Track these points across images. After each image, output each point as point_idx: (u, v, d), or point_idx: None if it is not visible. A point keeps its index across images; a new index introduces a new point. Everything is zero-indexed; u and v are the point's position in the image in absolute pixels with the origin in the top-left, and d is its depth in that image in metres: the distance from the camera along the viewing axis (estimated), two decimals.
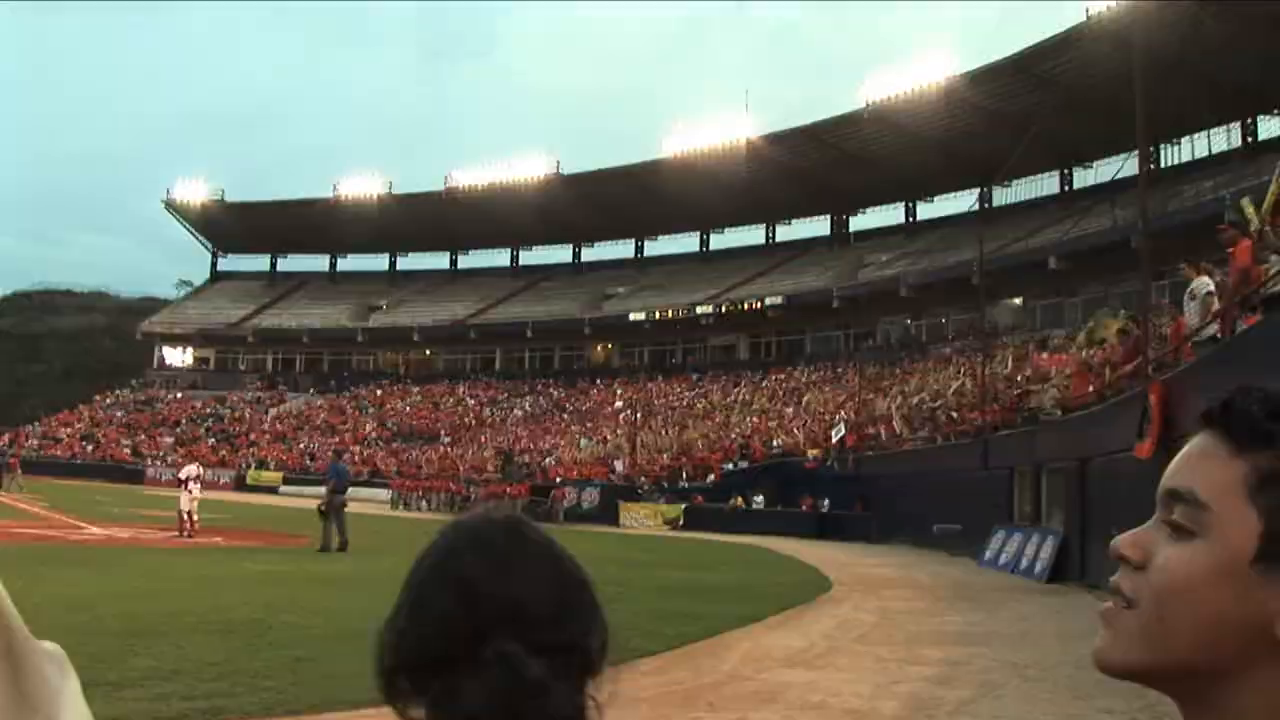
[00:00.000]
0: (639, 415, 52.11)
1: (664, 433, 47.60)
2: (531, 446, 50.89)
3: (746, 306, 60.94)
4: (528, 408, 63.20)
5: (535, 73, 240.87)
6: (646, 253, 76.60)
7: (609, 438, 49.46)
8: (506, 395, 66.57)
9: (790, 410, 47.22)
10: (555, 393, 64.53)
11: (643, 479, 42.62)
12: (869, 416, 40.12)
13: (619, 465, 44.47)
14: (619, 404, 56.68)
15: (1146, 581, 0.87)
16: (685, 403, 54.39)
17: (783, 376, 54.99)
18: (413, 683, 1.00)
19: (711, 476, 41.41)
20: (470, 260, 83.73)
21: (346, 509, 22.78)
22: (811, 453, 40.22)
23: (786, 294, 59.74)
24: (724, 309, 61.88)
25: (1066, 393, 24.23)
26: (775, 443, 42.47)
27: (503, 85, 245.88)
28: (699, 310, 62.60)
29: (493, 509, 1.16)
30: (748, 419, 47.02)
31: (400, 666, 1.01)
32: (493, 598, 1.00)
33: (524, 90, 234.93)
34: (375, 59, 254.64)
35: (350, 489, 24.70)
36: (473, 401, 66.65)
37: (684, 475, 42.12)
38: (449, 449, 55.53)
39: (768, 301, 59.91)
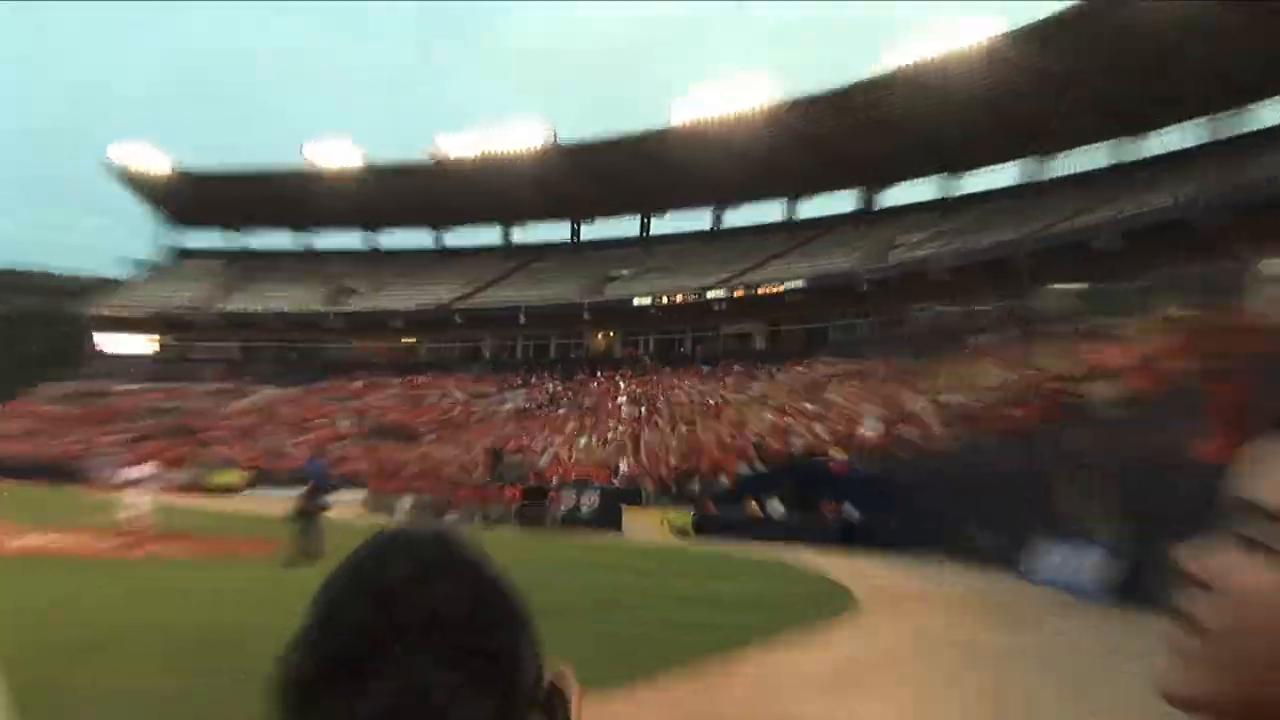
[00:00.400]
0: (644, 411, 52.07)
1: (671, 430, 47.64)
2: (524, 444, 50.98)
3: (763, 291, 60.85)
4: (520, 402, 63.19)
5: (532, 65, 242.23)
6: (652, 231, 76.46)
7: (611, 436, 49.50)
8: (496, 388, 66.48)
9: (812, 406, 47.21)
10: (550, 385, 64.48)
11: (648, 482, 42.67)
12: (899, 413, 40.10)
13: (622, 466, 44.51)
14: (622, 399, 56.74)
15: (1217, 604, 0.86)
16: (695, 397, 54.44)
17: (803, 369, 54.97)
18: (323, 694, 1.00)
19: (724, 480, 41.43)
20: (457, 238, 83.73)
21: (325, 513, 22.60)
22: (835, 453, 40.23)
23: (808, 277, 59.63)
24: (738, 293, 61.82)
25: (1121, 388, 24.22)
26: (795, 442, 42.47)
27: (496, 76, 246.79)
28: (711, 295, 62.55)
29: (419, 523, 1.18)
30: (764, 415, 47.05)
31: (307, 680, 1.00)
32: (412, 604, 1.02)
33: (516, 70, 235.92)
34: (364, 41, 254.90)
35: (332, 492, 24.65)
36: (459, 394, 66.69)
37: (694, 478, 42.15)
38: (432, 447, 55.61)
39: (787, 285, 59.82)
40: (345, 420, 64.40)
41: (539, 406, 61.50)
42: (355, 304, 77.06)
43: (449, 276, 77.22)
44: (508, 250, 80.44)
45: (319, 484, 23.26)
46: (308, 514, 21.98)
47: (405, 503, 44.57)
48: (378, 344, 75.90)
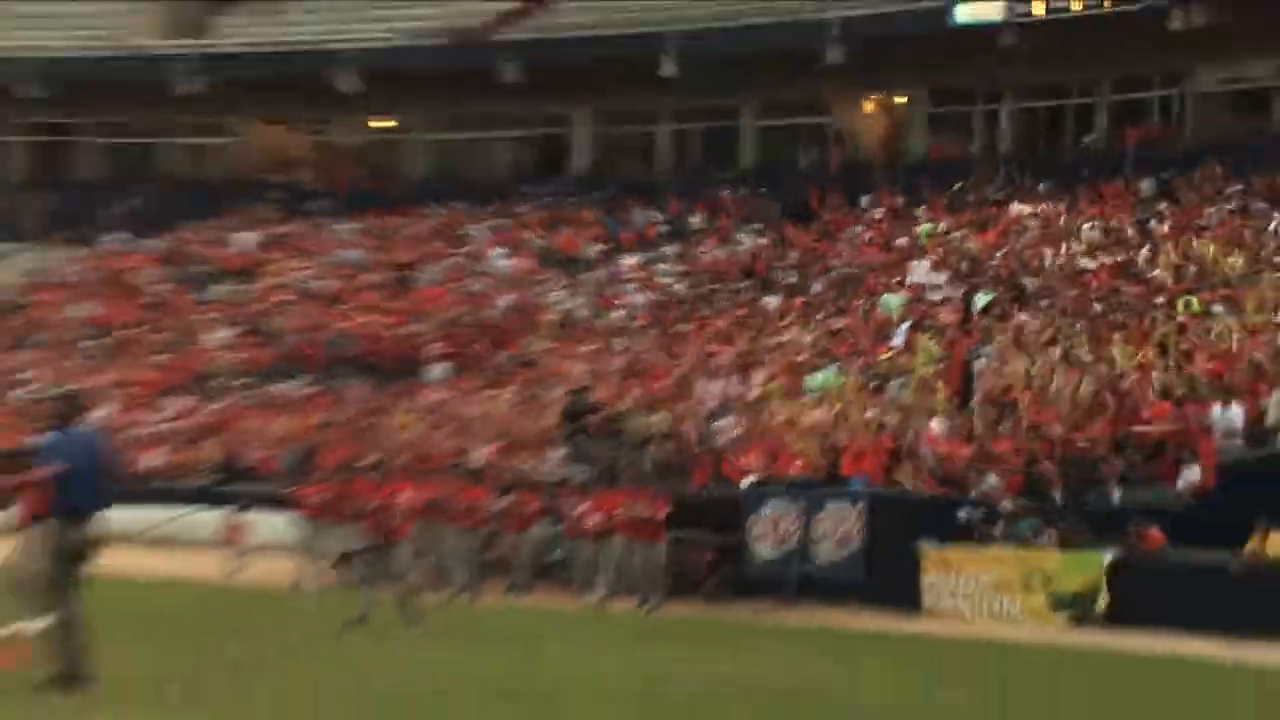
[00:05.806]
0: (983, 304, 27.62)
1: (1058, 352, 25.21)
2: (664, 387, 27.56)
3: None
4: (669, 278, 36.40)
5: None
6: None
7: (894, 363, 27.34)
8: (601, 240, 38.88)
9: None
10: (744, 233, 37.40)
11: (996, 482, 23.06)
12: None
13: (924, 444, 24.18)
14: (922, 266, 31.60)
15: None
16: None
17: None
18: None
19: (1193, 473, 21.91)
20: None
21: (87, 563, 10.64)
22: None
23: None
24: None
25: None
26: None
27: None
28: None
29: None
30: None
31: None
32: None
33: None
34: None
35: (113, 508, 11.14)
36: (509, 262, 38.38)
37: (1097, 470, 22.68)
38: (449, 392, 32.43)
39: None
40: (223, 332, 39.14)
41: (711, 288, 35.18)
42: (229, 33, 45.06)
43: None
44: None
45: (81, 488, 10.23)
46: (47, 567, 10.47)
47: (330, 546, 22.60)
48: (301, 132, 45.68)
